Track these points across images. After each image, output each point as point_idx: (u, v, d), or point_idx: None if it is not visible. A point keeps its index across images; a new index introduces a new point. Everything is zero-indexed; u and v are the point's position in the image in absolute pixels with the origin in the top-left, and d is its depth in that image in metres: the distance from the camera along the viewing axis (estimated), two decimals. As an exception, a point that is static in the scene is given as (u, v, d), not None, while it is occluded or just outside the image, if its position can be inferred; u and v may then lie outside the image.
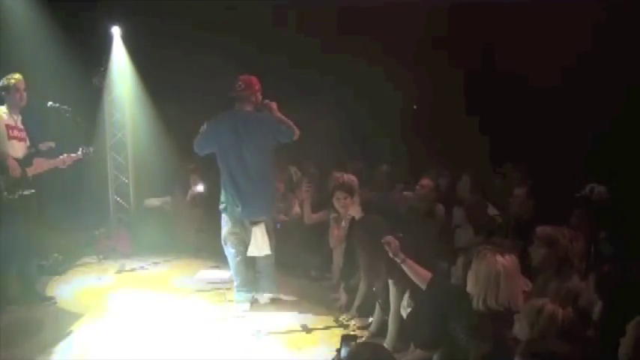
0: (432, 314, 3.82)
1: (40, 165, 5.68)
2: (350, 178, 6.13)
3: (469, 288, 3.37)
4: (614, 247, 4.09)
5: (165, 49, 7.91)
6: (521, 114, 7.67)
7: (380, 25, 8.11)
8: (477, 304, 3.29)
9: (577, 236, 3.76)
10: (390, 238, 4.11)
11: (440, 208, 5.96)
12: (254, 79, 5.45)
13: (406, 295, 4.21)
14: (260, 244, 5.44)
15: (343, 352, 3.21)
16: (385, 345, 4.38)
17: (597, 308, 3.16)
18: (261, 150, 5.34)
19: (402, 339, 4.34)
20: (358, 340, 3.74)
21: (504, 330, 3.07)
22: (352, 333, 4.76)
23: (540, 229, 3.81)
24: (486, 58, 8.27)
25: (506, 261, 3.28)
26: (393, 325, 4.43)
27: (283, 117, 5.38)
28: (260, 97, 5.45)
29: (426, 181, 6.08)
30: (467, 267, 3.53)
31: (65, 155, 5.85)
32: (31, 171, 5.58)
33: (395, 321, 4.40)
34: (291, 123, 5.36)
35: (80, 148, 5.95)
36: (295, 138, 5.38)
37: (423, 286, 3.89)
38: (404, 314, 4.23)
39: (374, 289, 4.82)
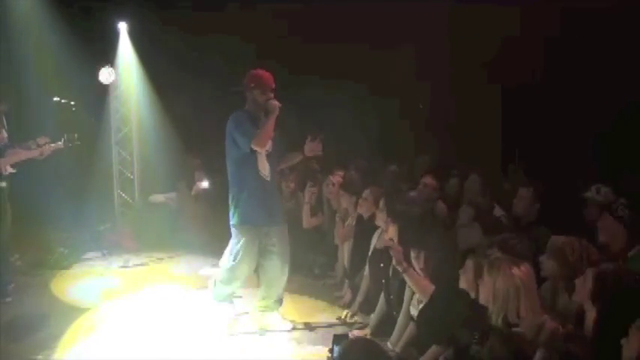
0: (434, 318, 3.82)
1: (14, 156, 5.63)
2: (351, 176, 6.12)
3: (485, 301, 3.23)
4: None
5: (172, 44, 7.92)
6: (526, 114, 7.65)
7: (388, 24, 8.09)
8: (497, 321, 3.13)
9: (590, 248, 3.53)
10: (395, 245, 4.13)
11: (441, 207, 5.91)
12: (254, 74, 4.82)
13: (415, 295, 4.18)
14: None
15: (335, 352, 3.17)
16: (389, 343, 4.38)
17: (590, 315, 2.97)
18: (229, 156, 4.87)
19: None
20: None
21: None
22: (345, 332, 4.73)
23: (553, 240, 3.63)
24: (493, 56, 8.21)
25: (522, 273, 3.11)
26: (400, 323, 4.38)
27: (266, 125, 4.66)
28: (260, 96, 4.75)
29: (429, 180, 6.02)
30: (479, 271, 3.46)
31: (46, 146, 5.77)
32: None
33: (403, 319, 4.35)
34: (260, 133, 4.65)
35: (63, 137, 5.85)
36: (248, 150, 4.68)
37: (425, 298, 3.89)
38: (414, 313, 4.18)
39: (383, 284, 4.76)
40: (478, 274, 3.41)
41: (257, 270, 5.09)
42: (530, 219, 4.92)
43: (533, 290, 3.15)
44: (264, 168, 4.85)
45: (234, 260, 4.92)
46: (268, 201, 4.92)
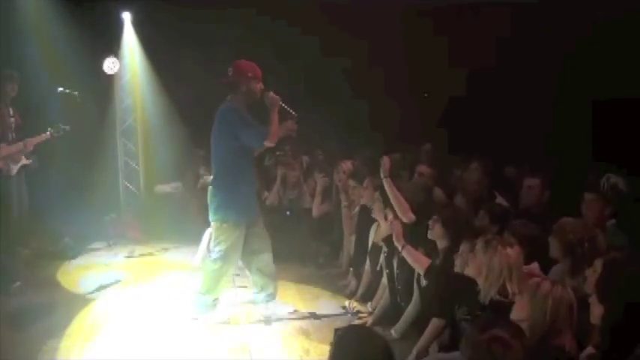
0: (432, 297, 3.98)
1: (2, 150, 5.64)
2: (355, 165, 6.11)
3: (475, 277, 3.42)
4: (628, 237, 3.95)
5: (176, 34, 7.89)
6: (532, 103, 7.61)
7: (389, 15, 8.05)
8: (485, 297, 3.32)
9: (595, 231, 3.60)
10: (396, 222, 4.33)
11: (439, 194, 5.88)
12: (247, 65, 4.72)
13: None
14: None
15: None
16: (393, 331, 4.39)
17: (597, 311, 2.87)
18: (222, 150, 4.73)
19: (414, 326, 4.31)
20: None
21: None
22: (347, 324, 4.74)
23: (560, 220, 3.69)
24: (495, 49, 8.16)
25: (515, 253, 3.31)
26: (409, 311, 4.40)
27: (273, 118, 4.59)
28: (256, 86, 4.69)
29: (423, 168, 5.98)
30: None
31: (27, 140, 5.78)
32: None
33: (412, 308, 4.37)
34: (272, 129, 4.58)
35: (48, 130, 5.90)
36: (262, 147, 4.83)
37: (422, 272, 4.09)
38: (417, 290, 4.29)
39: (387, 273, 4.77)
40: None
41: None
42: (538, 209, 4.89)
43: (522, 270, 3.34)
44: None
45: (221, 261, 4.76)
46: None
